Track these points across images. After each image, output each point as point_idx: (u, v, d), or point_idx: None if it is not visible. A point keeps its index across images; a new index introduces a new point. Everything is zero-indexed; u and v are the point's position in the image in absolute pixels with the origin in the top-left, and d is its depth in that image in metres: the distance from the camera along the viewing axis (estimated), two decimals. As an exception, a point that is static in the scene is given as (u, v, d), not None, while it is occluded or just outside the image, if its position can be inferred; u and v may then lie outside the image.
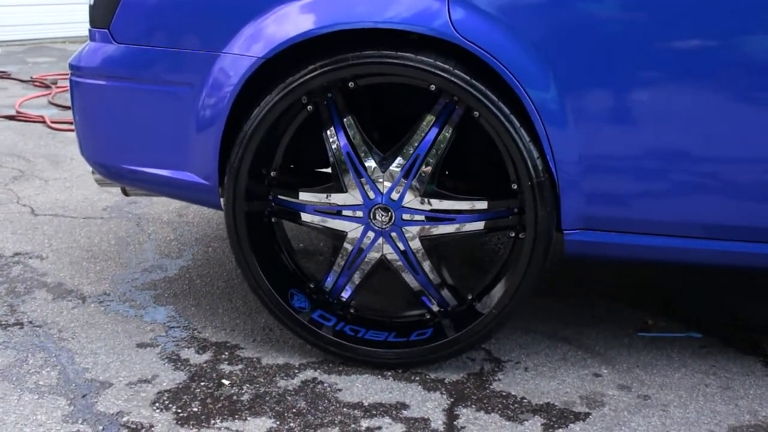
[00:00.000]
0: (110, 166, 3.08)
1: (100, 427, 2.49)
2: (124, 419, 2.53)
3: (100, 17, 2.93)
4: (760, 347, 3.00)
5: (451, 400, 2.66)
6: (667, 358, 2.91)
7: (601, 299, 3.37)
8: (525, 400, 2.65)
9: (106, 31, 2.91)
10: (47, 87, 7.58)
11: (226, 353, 2.93)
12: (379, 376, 2.78)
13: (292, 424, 2.51)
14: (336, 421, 2.53)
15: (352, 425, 2.51)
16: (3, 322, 3.15)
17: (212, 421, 2.53)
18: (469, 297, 2.86)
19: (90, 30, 3.00)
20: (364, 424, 2.52)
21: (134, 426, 2.50)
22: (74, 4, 10.73)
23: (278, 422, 2.52)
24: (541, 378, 2.78)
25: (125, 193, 3.31)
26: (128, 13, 2.87)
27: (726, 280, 3.52)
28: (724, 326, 3.14)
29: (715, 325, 3.15)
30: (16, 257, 3.77)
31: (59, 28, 10.68)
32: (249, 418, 2.54)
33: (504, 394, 2.69)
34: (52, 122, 6.25)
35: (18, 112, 6.56)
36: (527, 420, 2.55)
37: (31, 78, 7.94)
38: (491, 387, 2.73)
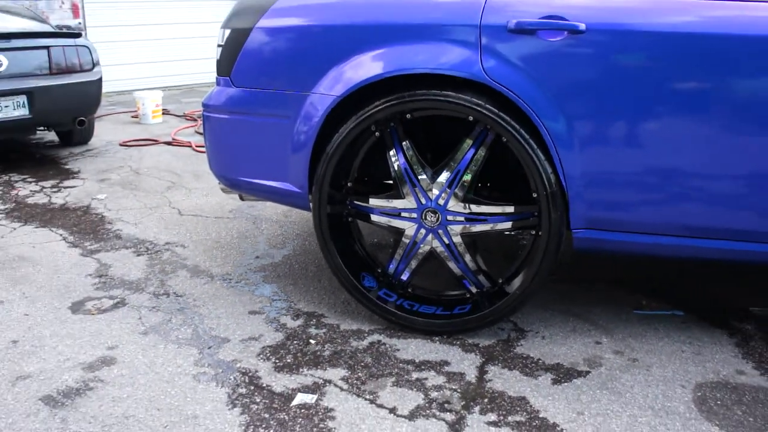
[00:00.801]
0: (231, 178, 3.15)
1: (220, 370, 2.59)
2: (237, 365, 2.63)
3: (224, 68, 3.02)
4: (728, 323, 2.93)
5: (483, 359, 2.67)
6: (654, 331, 2.86)
7: (606, 284, 3.31)
8: (540, 361, 2.65)
9: (228, 78, 2.99)
10: (194, 120, 7.69)
11: (314, 320, 2.99)
12: (429, 341, 2.80)
13: (360, 374, 2.57)
14: (393, 373, 2.57)
15: (405, 376, 2.55)
16: (155, 292, 3.27)
17: (301, 370, 2.60)
18: (500, 281, 2.85)
19: (216, 77, 3.09)
20: (415, 375, 2.56)
21: (244, 370, 2.59)
22: (215, 58, 10.97)
23: (350, 372, 2.58)
24: (554, 344, 2.77)
25: (242, 198, 3.38)
26: (243, 66, 2.94)
27: (706, 270, 3.43)
28: (702, 307, 3.07)
29: (695, 306, 3.08)
30: (166, 246, 3.89)
31: (205, 76, 10.84)
32: (328, 368, 2.60)
33: (524, 356, 2.69)
34: (197, 146, 6.36)
35: (173, 139, 6.70)
36: (540, 376, 2.55)
37: (184, 114, 8.07)
38: (515, 350, 2.73)
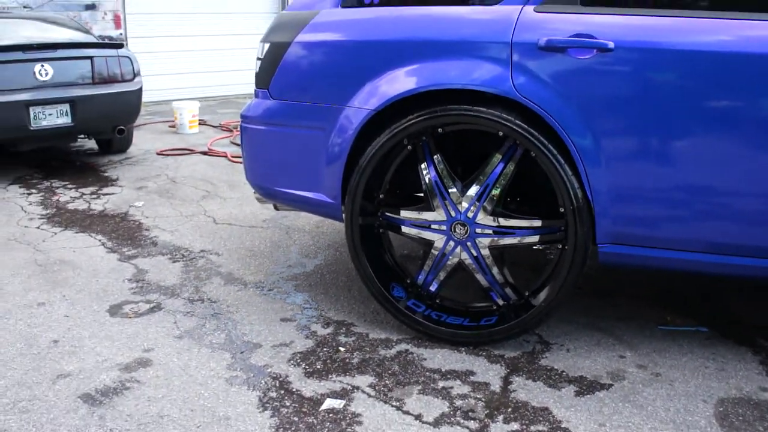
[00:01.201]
0: (267, 188, 3.26)
1: (252, 374, 2.68)
2: (269, 370, 2.72)
3: (262, 81, 3.13)
4: (753, 341, 2.94)
5: (508, 370, 2.73)
6: (678, 346, 2.90)
7: (633, 299, 3.35)
8: (564, 373, 2.70)
9: (266, 90, 3.10)
10: (230, 131, 7.83)
11: (344, 328, 3.08)
12: (455, 351, 2.87)
13: (387, 381, 2.64)
14: (420, 381, 2.64)
15: (431, 384, 2.62)
16: (191, 298, 3.38)
17: (330, 376, 2.68)
18: (526, 293, 2.91)
19: (255, 90, 3.20)
20: (441, 384, 2.62)
21: (275, 375, 2.68)
22: (251, 71, 11.15)
23: (377, 379, 2.65)
24: (579, 357, 2.82)
25: (276, 208, 3.49)
26: (281, 79, 3.05)
27: (731, 286, 3.45)
28: (727, 324, 3.09)
29: (720, 322, 3.10)
30: (201, 253, 4.01)
31: (241, 88, 11.03)
32: (357, 375, 2.68)
33: (549, 368, 2.74)
34: (232, 156, 6.49)
35: (209, 149, 6.84)
36: (564, 387, 2.60)
37: (220, 124, 8.21)
38: (539, 362, 2.79)
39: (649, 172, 2.55)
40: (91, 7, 9.40)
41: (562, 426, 2.36)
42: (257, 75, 3.16)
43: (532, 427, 2.35)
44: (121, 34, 9.53)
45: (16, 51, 5.45)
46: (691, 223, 2.56)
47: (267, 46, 3.09)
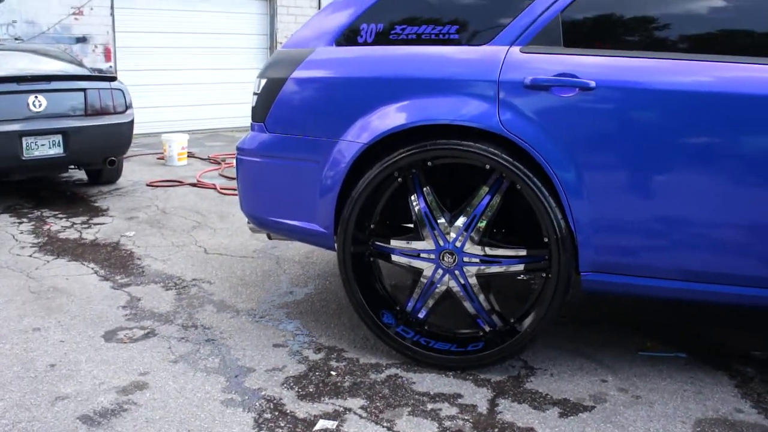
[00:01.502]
0: (261, 218, 3.37)
1: (246, 397, 2.77)
2: (263, 393, 2.81)
3: (258, 115, 3.25)
4: (729, 365, 3.07)
5: (494, 393, 2.83)
6: (658, 371, 3.02)
7: (614, 327, 3.47)
8: (548, 396, 2.81)
9: (263, 124, 3.23)
10: (218, 163, 7.95)
11: (335, 354, 3.17)
12: (443, 375, 2.97)
13: (378, 404, 2.74)
14: (409, 403, 2.74)
15: (420, 407, 2.72)
16: (184, 324, 3.47)
17: (322, 398, 2.77)
18: (512, 320, 3.03)
19: (251, 123, 3.32)
20: (429, 406, 2.73)
21: (269, 398, 2.77)
22: (239, 104, 11.31)
23: (368, 402, 2.75)
24: (562, 381, 2.94)
25: (269, 237, 3.59)
26: (277, 113, 3.18)
27: (709, 313, 3.59)
28: (705, 349, 3.22)
29: (698, 348, 3.23)
30: (193, 282, 4.10)
31: (228, 121, 11.20)
32: (348, 398, 2.78)
33: (533, 391, 2.86)
34: (221, 188, 6.59)
35: (198, 181, 6.93)
36: (548, 409, 2.71)
37: (208, 157, 8.33)
38: (525, 386, 2.90)
39: (629, 205, 2.69)
40: (81, 40, 9.55)
41: (547, 446, 2.47)
42: (253, 109, 3.29)
43: (518, 447, 2.45)
44: (111, 67, 9.68)
45: (10, 82, 5.56)
46: (669, 252, 2.70)
47: (264, 81, 3.22)
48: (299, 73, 3.12)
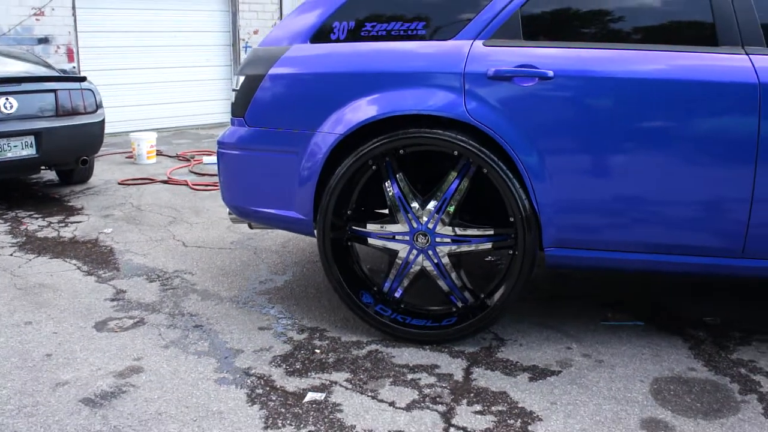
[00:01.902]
0: (243, 208, 3.55)
1: (237, 376, 2.96)
2: (253, 371, 3.00)
3: (238, 110, 3.43)
4: (683, 330, 3.36)
5: (469, 363, 3.07)
6: (618, 338, 3.28)
7: (578, 300, 3.74)
8: (518, 363, 3.06)
9: (242, 118, 3.41)
10: (187, 160, 8.05)
11: (318, 334, 3.38)
12: (421, 349, 3.20)
13: (361, 376, 2.95)
14: (390, 375, 2.96)
15: (401, 377, 2.94)
16: (171, 312, 3.64)
17: (309, 374, 2.98)
18: (482, 296, 3.26)
19: (231, 118, 3.50)
20: (410, 376, 2.95)
21: (259, 375, 2.97)
22: (204, 102, 11.41)
23: (353, 375, 2.97)
24: (531, 350, 3.18)
25: (250, 227, 3.78)
26: (256, 108, 3.36)
27: (666, 283, 3.88)
28: (662, 317, 3.50)
29: (656, 316, 3.51)
30: (176, 273, 4.26)
31: (193, 119, 11.29)
32: (333, 372, 2.99)
33: (504, 359, 3.10)
34: (193, 184, 6.74)
35: (169, 178, 7.06)
36: (519, 375, 2.96)
37: (177, 154, 8.42)
38: (496, 355, 3.14)
39: (587, 185, 2.95)
40: (44, 40, 9.57)
41: (519, 406, 2.71)
42: (233, 105, 3.47)
43: (493, 408, 2.69)
44: (74, 67, 9.71)
45: (-19, 85, 5.64)
46: (625, 228, 2.96)
47: (242, 78, 3.41)
48: (276, 70, 3.30)
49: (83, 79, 6.27)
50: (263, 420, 2.62)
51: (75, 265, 4.45)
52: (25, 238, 5.09)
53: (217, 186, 6.58)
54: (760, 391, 2.81)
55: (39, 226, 5.41)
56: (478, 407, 2.70)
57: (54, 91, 5.97)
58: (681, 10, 3.00)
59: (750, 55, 2.84)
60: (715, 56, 2.87)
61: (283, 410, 2.69)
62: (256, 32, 11.82)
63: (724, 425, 2.58)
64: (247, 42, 11.71)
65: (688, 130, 2.85)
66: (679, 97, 2.84)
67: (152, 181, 7.00)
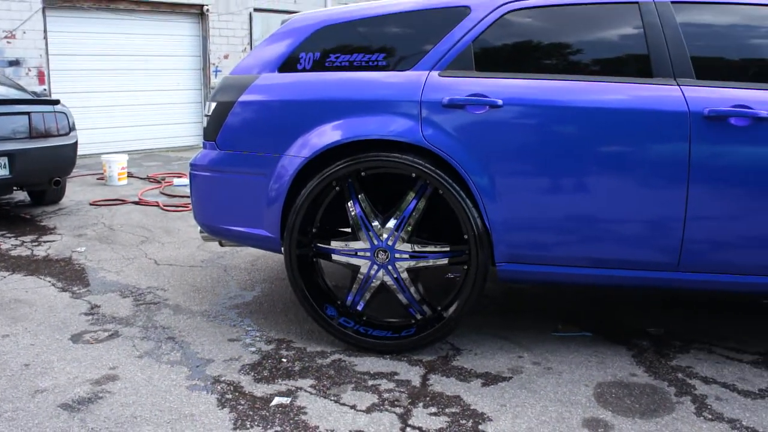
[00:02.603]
0: (214, 226, 3.75)
1: (208, 383, 3.17)
2: (223, 378, 3.21)
3: (210, 134, 3.66)
4: (628, 341, 3.62)
5: (426, 370, 3.30)
6: (567, 347, 3.54)
7: (531, 313, 3.99)
8: (473, 371, 3.30)
9: (214, 142, 3.63)
10: (158, 182, 8.24)
11: (284, 345, 3.59)
12: (381, 358, 3.42)
13: (325, 382, 3.17)
14: (352, 381, 3.18)
15: (362, 383, 3.16)
16: (144, 325, 3.83)
17: (276, 380, 3.19)
18: (439, 308, 3.50)
19: (203, 142, 3.72)
20: (370, 382, 3.17)
21: (229, 382, 3.17)
22: (174, 125, 11.60)
23: (317, 381, 3.18)
24: (484, 359, 3.43)
25: (221, 244, 3.99)
26: (227, 133, 3.58)
27: (614, 297, 4.16)
28: (608, 328, 3.77)
29: (603, 328, 3.78)
30: (149, 289, 4.45)
31: (163, 141, 11.48)
32: (299, 379, 3.20)
33: (459, 367, 3.34)
34: (164, 206, 6.92)
35: (140, 199, 7.25)
36: (472, 380, 3.19)
37: (147, 176, 8.61)
38: (452, 363, 3.38)
39: (534, 205, 3.21)
40: (14, 63, 9.72)
41: (471, 408, 2.95)
42: (205, 129, 3.69)
43: (447, 410, 2.93)
44: (45, 89, 9.87)
45: (-45, 108, 5.81)
46: (570, 244, 3.23)
47: (214, 105, 3.64)
48: (246, 97, 3.54)
49: (57, 102, 6.45)
50: (233, 422, 2.83)
51: (49, 281, 4.62)
52: (-2, 256, 5.24)
53: (187, 207, 6.78)
54: (695, 393, 3.08)
55: (12, 245, 5.56)
56: (433, 409, 2.93)
57: (27, 113, 6.15)
58: (619, 45, 3.30)
59: (681, 86, 3.14)
60: (650, 87, 3.16)
61: (251, 413, 2.90)
62: (226, 57, 12.07)
63: (659, 423, 2.84)
64: (217, 66, 11.95)
65: (625, 154, 3.14)
66: (617, 124, 3.13)
67: (124, 202, 7.18)
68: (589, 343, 3.61)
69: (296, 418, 2.85)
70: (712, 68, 3.19)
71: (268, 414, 2.89)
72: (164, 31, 11.34)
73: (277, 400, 3.00)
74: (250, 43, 12.46)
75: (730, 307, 4.13)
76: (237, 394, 3.06)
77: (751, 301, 4.22)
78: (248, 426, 2.80)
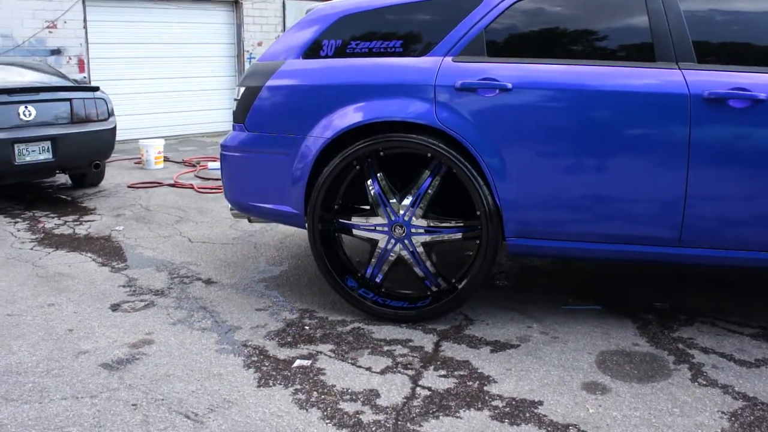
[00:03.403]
0: (243, 203, 4.02)
1: (236, 347, 3.43)
2: (249, 343, 3.47)
3: (239, 117, 3.91)
4: (634, 314, 3.81)
5: (439, 338, 3.53)
6: (575, 319, 3.74)
7: (542, 286, 4.20)
8: (483, 339, 3.52)
9: (243, 124, 3.89)
10: (193, 166, 8.56)
11: (308, 314, 3.85)
12: (397, 327, 3.66)
13: (344, 347, 3.42)
14: (369, 347, 3.43)
15: (379, 349, 3.41)
16: (178, 296, 4.12)
17: (298, 345, 3.45)
18: (453, 280, 3.72)
19: (233, 124, 3.99)
20: (386, 348, 3.42)
21: (255, 346, 3.44)
22: (209, 111, 11.93)
23: (336, 346, 3.43)
24: (495, 328, 3.64)
25: (250, 221, 4.26)
26: (255, 116, 3.83)
27: (624, 273, 4.34)
28: (616, 302, 3.96)
29: (611, 301, 3.97)
30: (182, 264, 4.74)
31: (198, 127, 11.81)
32: (320, 344, 3.46)
33: (471, 335, 3.56)
34: (199, 188, 7.23)
35: (176, 182, 7.57)
36: (482, 348, 3.42)
37: (183, 160, 8.94)
38: (464, 332, 3.60)
39: (541, 184, 3.41)
40: (56, 52, 10.11)
41: (479, 371, 3.17)
42: (234, 113, 3.95)
43: (456, 372, 3.16)
44: (85, 77, 10.25)
45: (2, 94, 6.15)
46: (577, 221, 3.42)
47: (243, 89, 3.89)
48: (272, 82, 3.79)
49: (96, 89, 6.78)
50: (257, 380, 3.09)
51: (90, 257, 4.93)
52: (43, 234, 5.58)
53: (221, 189, 7.08)
54: (692, 362, 3.27)
55: (55, 224, 5.91)
56: (442, 372, 3.16)
57: (69, 100, 6.49)
58: (624, 31, 3.47)
59: (682, 70, 3.31)
60: (653, 71, 3.34)
61: (274, 373, 3.16)
62: (260, 44, 12.36)
63: (655, 387, 3.04)
64: (251, 53, 12.25)
65: (628, 135, 3.32)
66: (621, 106, 3.31)
67: (160, 184, 7.50)
68: (597, 315, 3.80)
69: (315, 378, 3.11)
70: (712, 52, 3.35)
71: (289, 374, 3.15)
72: (200, 19, 11.65)
73: (298, 363, 3.25)
74: (283, 31, 12.73)
75: (738, 284, 4.28)
76: (262, 356, 3.33)
77: (760, 278, 4.37)
78: (271, 384, 3.06)
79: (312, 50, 3.80)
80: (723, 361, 3.28)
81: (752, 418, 2.79)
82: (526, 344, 3.46)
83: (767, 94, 3.18)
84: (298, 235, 5.41)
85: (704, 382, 3.07)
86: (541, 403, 2.90)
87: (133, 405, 2.89)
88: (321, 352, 3.37)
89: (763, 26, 3.38)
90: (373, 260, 3.78)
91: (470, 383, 3.07)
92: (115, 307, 3.98)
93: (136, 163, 8.83)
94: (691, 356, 3.33)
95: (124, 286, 4.32)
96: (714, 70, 3.29)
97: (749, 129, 3.23)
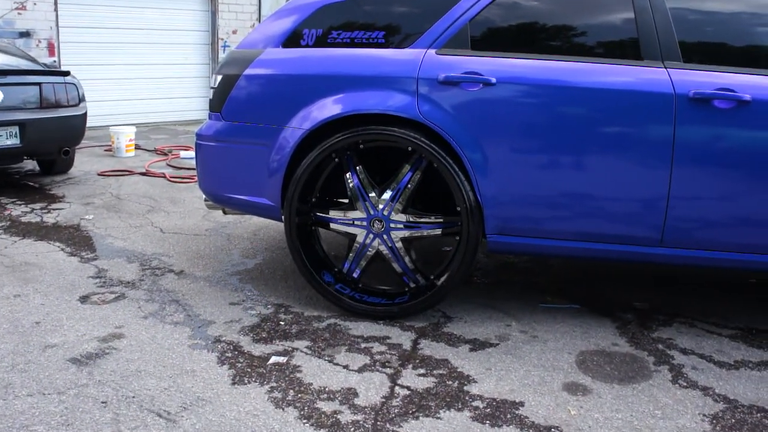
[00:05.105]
0: (218, 194, 3.92)
1: (209, 342, 3.34)
2: (223, 338, 3.38)
3: (215, 106, 3.81)
4: (614, 313, 3.78)
5: (417, 335, 3.47)
6: (554, 318, 3.70)
7: (521, 285, 4.16)
8: (461, 337, 3.46)
9: (219, 113, 3.79)
10: (165, 154, 8.39)
11: (283, 309, 3.76)
12: (375, 323, 3.58)
13: (320, 344, 3.34)
14: (346, 343, 3.35)
15: (356, 346, 3.33)
16: (150, 289, 4.00)
17: (274, 341, 3.36)
18: (431, 277, 3.66)
19: (209, 113, 3.88)
20: (363, 345, 3.34)
21: (229, 342, 3.34)
22: (182, 98, 11.74)
23: (313, 343, 3.35)
24: (474, 326, 3.59)
25: (224, 212, 4.15)
26: (231, 105, 3.73)
27: (604, 273, 4.31)
28: (596, 301, 3.93)
29: (590, 301, 3.94)
30: (154, 255, 4.62)
31: (171, 115, 11.62)
32: (296, 341, 3.37)
33: (449, 333, 3.50)
34: (170, 177, 7.08)
35: (147, 170, 7.40)
36: (460, 346, 3.36)
37: (155, 148, 8.76)
38: (442, 330, 3.54)
39: (523, 180, 3.35)
40: (25, 34, 9.85)
41: (458, 370, 3.11)
42: (211, 101, 3.85)
43: (435, 372, 3.09)
44: (55, 61, 10.00)
45: (-32, 77, 5.96)
46: (558, 218, 3.37)
47: (220, 77, 3.78)
48: (251, 71, 3.69)
49: (67, 73, 6.60)
50: (231, 378, 3.00)
51: (58, 247, 4.79)
52: (9, 222, 5.41)
53: (193, 179, 6.95)
54: (672, 363, 3.24)
55: (22, 212, 5.74)
56: (421, 371, 3.10)
57: (38, 84, 6.29)
58: (610, 28, 3.42)
59: (668, 69, 3.27)
60: (638, 69, 3.29)
61: (249, 370, 3.07)
62: (234, 32, 12.18)
63: (636, 389, 3.00)
64: (225, 41, 12.06)
65: (612, 133, 3.28)
66: (605, 104, 3.26)
67: (131, 173, 7.34)
68: (576, 314, 3.77)
69: (291, 376, 3.02)
70: (698, 52, 3.32)
71: (264, 371, 3.06)
72: (174, 5, 11.44)
73: (273, 359, 3.17)
74: (259, 19, 12.56)
75: (718, 286, 4.27)
76: (236, 352, 3.23)
77: (738, 279, 4.37)
78: (246, 382, 2.97)
79: (292, 39, 3.70)
80: (703, 362, 3.26)
81: (733, 420, 2.77)
82: (506, 343, 3.40)
83: (752, 95, 3.15)
84: (273, 227, 5.31)
85: (685, 384, 3.04)
86: (522, 404, 2.85)
87: (102, 402, 2.79)
88: (297, 349, 3.28)
89: (749, 27, 3.36)
90: (350, 255, 3.71)
91: (450, 383, 3.01)
92: (84, 299, 3.85)
93: (106, 150, 8.64)
94: (671, 357, 3.30)
95: (93, 277, 4.19)
96: (700, 70, 3.25)
97: (734, 130, 3.20)
